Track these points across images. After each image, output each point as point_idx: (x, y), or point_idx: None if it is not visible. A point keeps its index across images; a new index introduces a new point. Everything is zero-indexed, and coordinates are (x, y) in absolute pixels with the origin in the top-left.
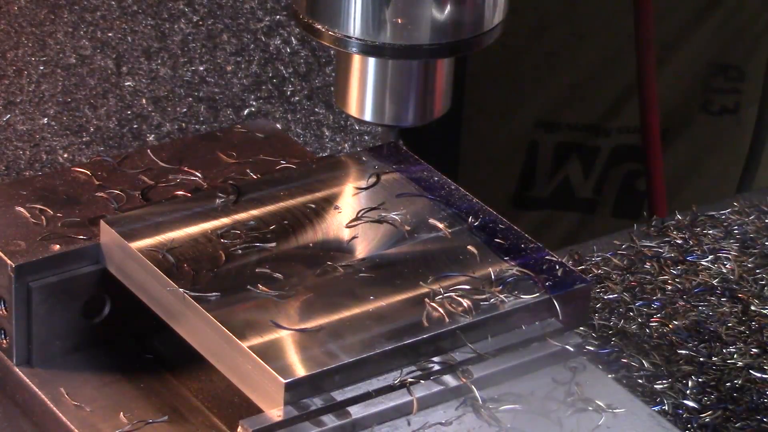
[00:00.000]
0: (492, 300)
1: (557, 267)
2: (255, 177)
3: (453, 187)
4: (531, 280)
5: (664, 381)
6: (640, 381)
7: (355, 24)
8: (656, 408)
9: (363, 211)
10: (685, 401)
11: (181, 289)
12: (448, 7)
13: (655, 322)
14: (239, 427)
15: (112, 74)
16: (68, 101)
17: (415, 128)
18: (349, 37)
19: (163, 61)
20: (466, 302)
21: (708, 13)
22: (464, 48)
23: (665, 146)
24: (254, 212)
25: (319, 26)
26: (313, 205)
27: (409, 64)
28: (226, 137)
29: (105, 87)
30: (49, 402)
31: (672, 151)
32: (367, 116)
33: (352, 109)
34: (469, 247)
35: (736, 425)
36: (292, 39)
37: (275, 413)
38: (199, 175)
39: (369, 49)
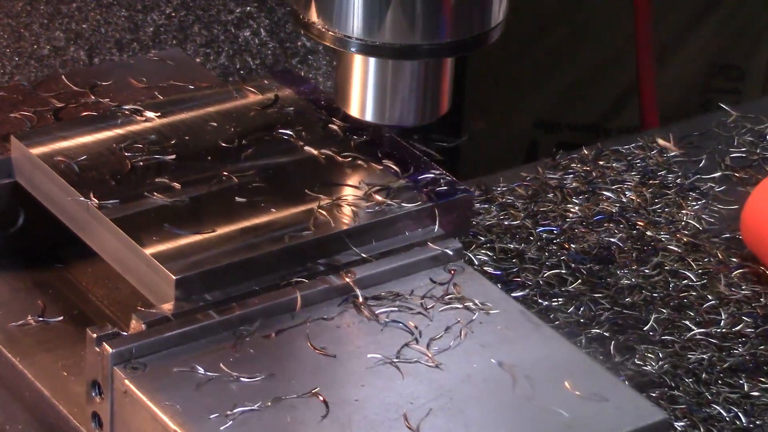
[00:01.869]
0: (377, 207)
1: (442, 179)
2: (160, 97)
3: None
4: (415, 190)
5: (559, 299)
6: (535, 299)
7: (355, 24)
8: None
9: (261, 128)
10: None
11: (82, 198)
12: (448, 7)
13: (554, 246)
14: (132, 319)
15: (83, 65)
16: None
17: (416, 128)
18: (349, 37)
19: (134, 53)
20: (351, 209)
21: (708, 13)
22: (464, 48)
23: None
24: (157, 128)
25: (319, 26)
26: (213, 123)
27: (410, 64)
28: (139, 65)
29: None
30: None
31: None
32: (368, 116)
33: (353, 109)
34: (358, 159)
35: (621, 337)
36: (261, 30)
37: (166, 307)
38: (109, 97)
39: (369, 49)
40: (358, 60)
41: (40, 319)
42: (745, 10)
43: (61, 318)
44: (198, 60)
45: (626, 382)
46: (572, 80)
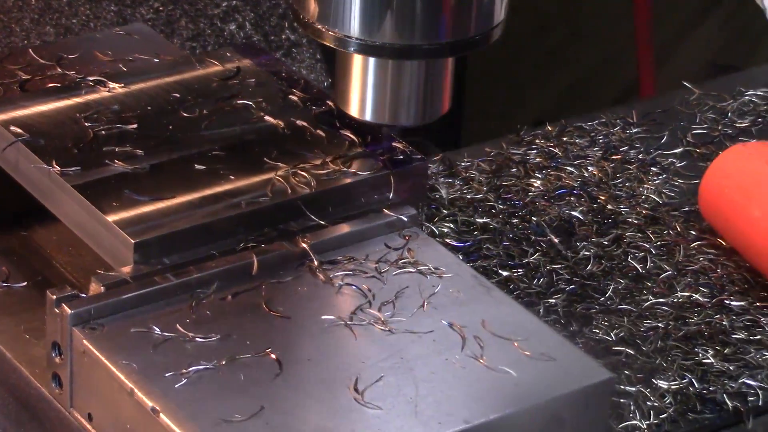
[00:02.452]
0: (333, 175)
1: (398, 149)
2: (123, 68)
3: (306, 79)
4: (372, 159)
5: (519, 270)
6: (495, 269)
7: (355, 24)
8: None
9: (222, 98)
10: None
11: (44, 165)
12: (448, 7)
13: (515, 219)
14: (91, 282)
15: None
16: None
17: (416, 128)
18: (349, 37)
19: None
20: (308, 176)
21: (708, 13)
22: (464, 48)
23: None
24: (119, 98)
25: (319, 26)
26: (175, 93)
27: (410, 64)
28: (104, 39)
29: None
30: None
31: None
32: (368, 116)
33: (353, 109)
34: (317, 129)
35: (578, 307)
36: (247, 24)
37: (125, 270)
38: (75, 70)
39: (369, 49)
40: (357, 60)
41: (4, 284)
42: (745, 10)
43: (25, 283)
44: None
45: (573, 344)
46: (572, 80)
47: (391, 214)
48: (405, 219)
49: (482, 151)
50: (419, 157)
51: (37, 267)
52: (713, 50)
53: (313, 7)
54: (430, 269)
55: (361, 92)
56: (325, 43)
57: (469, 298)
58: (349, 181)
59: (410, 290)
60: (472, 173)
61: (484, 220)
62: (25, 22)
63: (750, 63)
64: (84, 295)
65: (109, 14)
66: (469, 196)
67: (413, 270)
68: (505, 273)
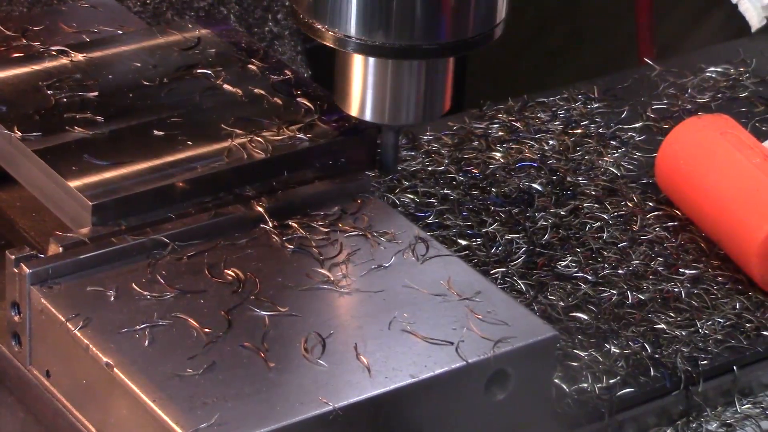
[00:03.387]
0: (289, 141)
1: (348, 118)
2: (87, 38)
3: (264, 49)
4: (326, 126)
5: (477, 240)
6: (454, 239)
7: (355, 24)
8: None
9: (182, 67)
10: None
11: (6, 131)
12: (448, 7)
13: (475, 190)
14: (50, 243)
15: None
16: None
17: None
18: (349, 37)
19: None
20: (265, 142)
21: (708, 13)
22: (464, 48)
23: None
24: (81, 67)
25: (319, 26)
26: (136, 63)
27: (410, 64)
28: (70, 11)
29: None
30: None
31: None
32: (368, 116)
33: (353, 109)
34: (275, 97)
35: (534, 275)
36: (231, 16)
37: (83, 231)
38: (40, 42)
39: (369, 49)
40: (357, 60)
41: None
42: None
43: None
44: None
45: (519, 303)
46: (572, 80)
47: (345, 179)
48: (359, 184)
49: (445, 125)
50: (369, 123)
51: (1, 231)
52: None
53: (312, 7)
54: (381, 231)
55: (361, 92)
56: (325, 43)
57: (418, 260)
58: (303, 146)
59: (361, 252)
60: (434, 146)
61: (445, 191)
62: (14, 15)
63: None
64: (42, 256)
65: None
66: (430, 168)
67: (365, 233)
68: (463, 242)
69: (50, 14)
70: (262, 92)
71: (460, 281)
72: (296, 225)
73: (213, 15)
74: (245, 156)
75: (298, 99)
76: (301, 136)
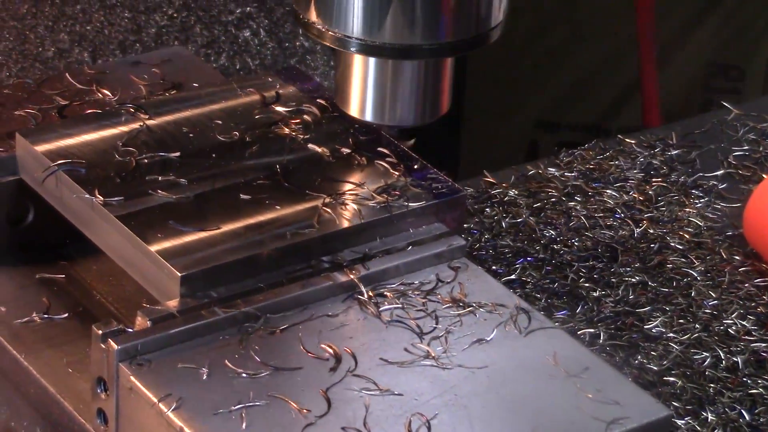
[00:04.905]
0: (380, 205)
1: (439, 179)
2: (163, 95)
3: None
4: (417, 188)
5: (562, 298)
6: (537, 296)
7: (355, 24)
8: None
9: (264, 124)
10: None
11: (87, 195)
12: (448, 7)
13: (558, 244)
14: (137, 316)
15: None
16: None
17: (415, 128)
18: (349, 37)
19: (136, 54)
20: (355, 206)
21: (708, 13)
22: (464, 47)
23: None
24: (161, 125)
25: (319, 26)
26: (216, 119)
27: (410, 64)
28: (144, 62)
29: None
30: None
31: None
32: (368, 116)
33: (353, 109)
34: (360, 158)
35: (624, 337)
36: (261, 31)
37: (171, 304)
38: (112, 95)
39: (369, 49)
40: (358, 60)
41: (45, 316)
42: (745, 10)
43: (66, 315)
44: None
45: (629, 380)
46: (572, 80)
47: (440, 244)
48: (453, 250)
49: (520, 173)
50: (459, 187)
51: (78, 297)
52: (713, 50)
53: (313, 7)
54: (480, 302)
55: (361, 92)
56: (324, 43)
57: (521, 332)
58: (396, 211)
59: (461, 324)
60: (511, 196)
61: (525, 245)
62: (39, 29)
63: (750, 63)
64: (130, 330)
65: (123, 21)
66: (508, 221)
67: (463, 303)
68: (547, 300)
69: (122, 66)
70: (349, 151)
71: (567, 356)
72: (391, 295)
73: (293, 67)
74: (337, 222)
75: (387, 159)
76: (392, 199)
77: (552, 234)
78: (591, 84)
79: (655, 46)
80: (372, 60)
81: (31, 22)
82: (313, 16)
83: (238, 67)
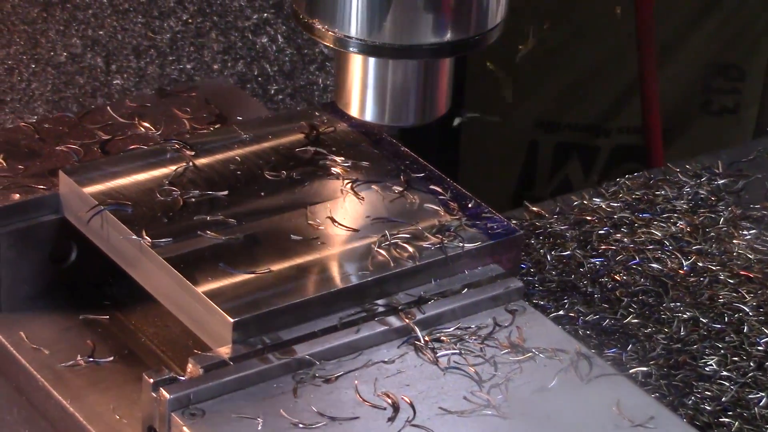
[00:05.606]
0: (435, 246)
1: (494, 218)
2: (208, 130)
3: (395, 143)
4: (473, 228)
5: (613, 335)
6: (588, 333)
7: (355, 24)
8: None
9: (312, 162)
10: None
11: (134, 236)
12: (448, 7)
13: (606, 277)
14: (189, 364)
15: (101, 72)
16: (57, 99)
17: (415, 128)
18: (349, 37)
19: (151, 59)
20: (410, 248)
21: (708, 13)
22: (464, 48)
23: (665, 146)
24: (207, 162)
25: (319, 26)
26: (264, 156)
27: (410, 64)
28: (184, 94)
29: (94, 85)
30: (8, 345)
31: (672, 151)
32: (368, 116)
33: (353, 109)
34: (413, 197)
35: (677, 375)
36: (279, 37)
37: (223, 351)
38: (155, 129)
39: (369, 49)
40: (357, 60)
41: (90, 359)
42: (745, 10)
43: (112, 358)
44: (216, 67)
45: (695, 430)
46: (572, 80)
47: (497, 287)
48: (511, 292)
49: (563, 203)
50: (515, 227)
51: (123, 339)
52: (713, 50)
53: (312, 7)
54: (539, 348)
55: (361, 92)
56: (324, 43)
57: (583, 379)
58: (452, 252)
59: (520, 371)
60: (557, 228)
61: (572, 278)
62: (50, 34)
63: (750, 63)
64: (182, 378)
65: (137, 26)
66: (554, 253)
67: (522, 348)
68: (598, 338)
69: (163, 98)
70: (400, 189)
71: (631, 404)
72: (447, 339)
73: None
74: (390, 264)
75: (440, 197)
76: (448, 241)
77: (599, 267)
78: (591, 84)
79: (655, 46)
80: (372, 60)
81: (42, 26)
82: (313, 16)
83: (256, 74)
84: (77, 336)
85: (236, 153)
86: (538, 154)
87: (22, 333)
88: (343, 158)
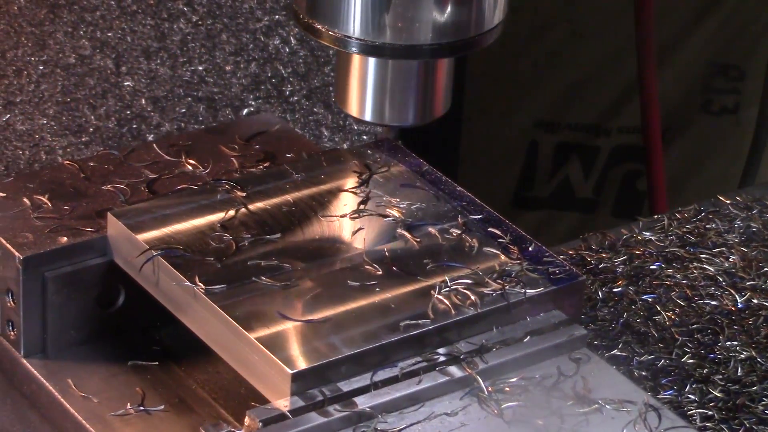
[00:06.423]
0: (496, 293)
1: (555, 262)
2: (259, 169)
3: (450, 183)
4: (534, 273)
5: (669, 376)
6: (645, 375)
7: (355, 24)
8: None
9: (367, 204)
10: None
11: (188, 282)
12: (449, 7)
13: (658, 315)
14: (246, 417)
15: (111, 74)
16: (68, 101)
17: (415, 128)
18: (350, 37)
19: (162, 61)
20: (471, 294)
21: (708, 13)
22: (464, 48)
23: (665, 146)
24: (259, 204)
25: (319, 26)
26: (317, 197)
27: (410, 64)
28: (231, 130)
29: (104, 87)
30: (56, 393)
31: (672, 151)
32: (368, 116)
33: (353, 109)
34: (471, 240)
35: (735, 420)
36: (291, 39)
37: (282, 403)
38: (203, 168)
39: (369, 49)
40: (357, 60)
41: (141, 408)
42: (745, 10)
43: (162, 407)
44: (228, 68)
45: None
46: (572, 80)
47: (561, 334)
48: (575, 340)
49: (610, 238)
50: (576, 271)
51: (173, 386)
52: (713, 50)
53: (312, 7)
54: (607, 399)
55: (361, 92)
56: (324, 43)
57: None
58: (514, 299)
59: (587, 423)
60: (609, 265)
61: (625, 317)
62: (58, 36)
63: (750, 63)
64: None
65: (146, 28)
66: (605, 290)
67: (588, 400)
68: (654, 380)
69: (210, 134)
70: (459, 232)
71: None
72: (511, 390)
73: (390, 141)
74: (452, 311)
75: (499, 240)
76: (509, 287)
77: (652, 304)
78: (591, 84)
79: (655, 46)
80: (372, 60)
81: (50, 28)
82: (313, 16)
83: (269, 75)
84: (125, 383)
85: (288, 194)
86: (538, 154)
87: (69, 380)
88: (398, 199)
